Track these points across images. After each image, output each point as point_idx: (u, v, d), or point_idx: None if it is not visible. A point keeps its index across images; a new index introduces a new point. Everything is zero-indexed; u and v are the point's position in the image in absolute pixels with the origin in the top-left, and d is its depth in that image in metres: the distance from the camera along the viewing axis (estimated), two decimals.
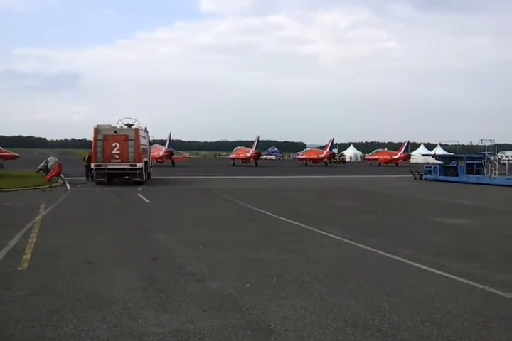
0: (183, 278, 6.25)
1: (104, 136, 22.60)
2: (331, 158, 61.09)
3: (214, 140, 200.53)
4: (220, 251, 8.08)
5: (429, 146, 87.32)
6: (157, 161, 46.62)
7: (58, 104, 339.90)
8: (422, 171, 32.10)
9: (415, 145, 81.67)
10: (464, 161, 29.21)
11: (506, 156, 45.49)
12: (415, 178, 31.78)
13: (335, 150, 67.15)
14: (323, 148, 65.37)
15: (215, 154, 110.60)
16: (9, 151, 37.08)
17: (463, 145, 35.67)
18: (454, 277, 6.36)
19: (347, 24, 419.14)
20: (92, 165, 22.68)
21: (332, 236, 9.55)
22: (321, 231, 10.06)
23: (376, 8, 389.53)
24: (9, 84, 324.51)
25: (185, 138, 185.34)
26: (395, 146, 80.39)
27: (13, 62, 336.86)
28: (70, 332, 4.39)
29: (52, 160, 24.63)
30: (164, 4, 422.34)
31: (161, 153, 49.78)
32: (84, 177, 24.52)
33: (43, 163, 25.87)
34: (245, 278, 6.25)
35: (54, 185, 21.58)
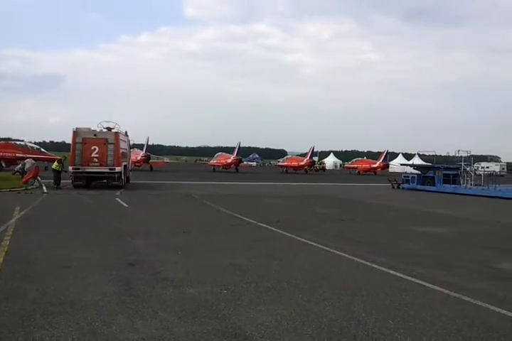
0: (159, 283, 6.18)
1: (83, 139, 22.32)
2: (312, 166, 61.60)
3: (195, 145, 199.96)
4: (198, 256, 8.03)
5: (408, 156, 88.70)
6: (135, 165, 46.25)
7: (38, 105, 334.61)
8: (400, 180, 32.58)
9: (394, 155, 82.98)
10: (441, 171, 29.77)
11: (482, 167, 46.57)
12: (393, 187, 32.23)
13: (315, 158, 67.72)
14: (303, 155, 65.81)
15: (195, 159, 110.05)
16: (53, 154, 38.49)
17: (440, 155, 36.36)
18: (429, 285, 6.44)
19: (330, 34, 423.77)
20: (70, 168, 22.33)
21: (311, 243, 9.59)
22: (299, 238, 10.09)
23: (360, 19, 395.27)
24: None
25: (166, 143, 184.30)
26: (374, 155, 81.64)
27: None
28: (41, 337, 4.29)
29: (29, 162, 24.22)
30: (148, 9, 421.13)
31: (139, 158, 49.43)
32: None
33: (19, 166, 25.46)
34: (223, 284, 6.21)
35: (30, 187, 21.20)
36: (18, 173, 25.27)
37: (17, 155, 37.80)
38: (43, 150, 41.44)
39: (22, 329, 4.45)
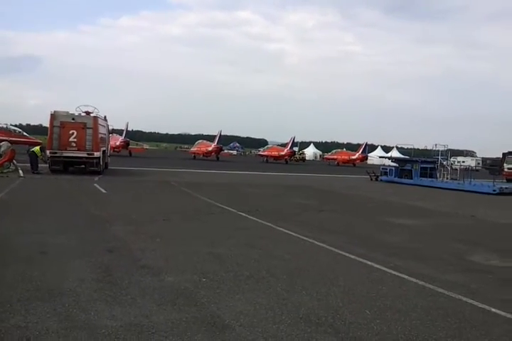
0: (138, 271, 6.15)
1: (61, 122, 21.87)
2: (292, 156, 61.78)
3: (176, 132, 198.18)
4: (177, 244, 8.01)
5: (386, 149, 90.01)
6: (114, 151, 45.74)
7: (13, 87, 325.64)
8: (378, 172, 32.96)
9: (373, 147, 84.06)
10: (419, 165, 30.20)
11: (458, 161, 47.51)
12: (371, 179, 32.58)
13: (296, 149, 67.95)
14: (284, 145, 65.95)
15: (176, 147, 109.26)
16: (35, 138, 37.83)
17: (418, 149, 36.94)
18: (405, 276, 6.57)
19: (313, 25, 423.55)
20: (48, 153, 21.91)
21: (290, 232, 9.66)
22: (279, 228, 10.15)
23: (343, 11, 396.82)
24: None
25: (146, 129, 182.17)
26: (353, 147, 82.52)
27: None
28: (17, 323, 4.24)
29: (4, 145, 23.55)
30: None
31: (118, 143, 48.93)
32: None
33: None
34: (202, 272, 6.22)
35: (6, 171, 20.76)
36: None
37: (0, 138, 36.73)
38: (25, 133, 40.62)
39: None
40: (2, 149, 22.94)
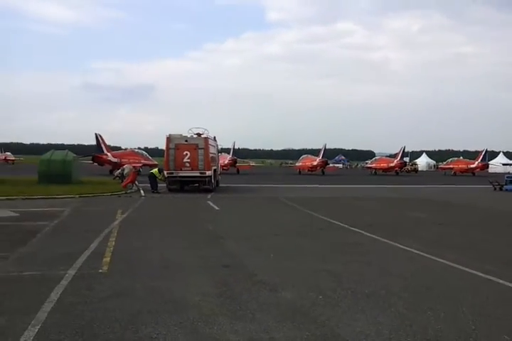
0: (255, 286, 6.25)
1: (176, 144, 23.42)
2: (402, 167, 59.20)
3: (280, 148, 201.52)
4: (291, 260, 8.02)
5: (509, 155, 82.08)
6: (222, 169, 47.73)
7: (133, 114, 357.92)
8: (502, 181, 30.21)
9: (493, 154, 77.05)
10: None
11: None
12: (495, 189, 29.95)
13: (406, 159, 65.01)
14: (393, 156, 63.50)
15: (280, 162, 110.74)
16: (153, 160, 44.00)
17: None
18: None
19: (418, 28, 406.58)
20: (165, 173, 23.59)
21: (407, 248, 9.17)
22: (395, 243, 9.70)
23: (450, 11, 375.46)
24: (87, 96, 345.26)
25: (252, 147, 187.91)
26: (471, 155, 76.68)
27: (90, 74, 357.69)
28: (149, 334, 4.52)
29: (127, 167, 25.82)
30: (232, 16, 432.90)
31: (226, 161, 50.97)
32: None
33: (119, 171, 27.25)
34: (318, 289, 6.13)
35: (129, 191, 22.64)
36: (117, 178, 27.06)
37: (142, 161, 41.01)
38: (149, 157, 45.36)
39: (132, 326, 4.72)
40: (126, 171, 25.15)
